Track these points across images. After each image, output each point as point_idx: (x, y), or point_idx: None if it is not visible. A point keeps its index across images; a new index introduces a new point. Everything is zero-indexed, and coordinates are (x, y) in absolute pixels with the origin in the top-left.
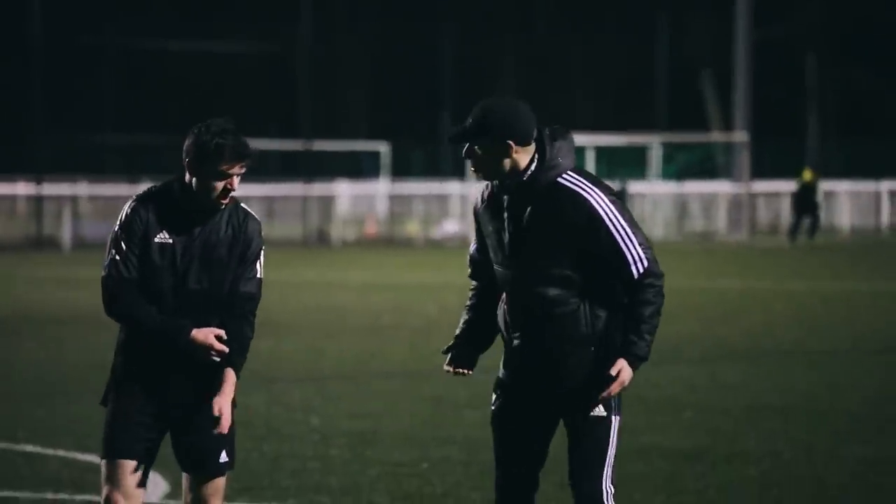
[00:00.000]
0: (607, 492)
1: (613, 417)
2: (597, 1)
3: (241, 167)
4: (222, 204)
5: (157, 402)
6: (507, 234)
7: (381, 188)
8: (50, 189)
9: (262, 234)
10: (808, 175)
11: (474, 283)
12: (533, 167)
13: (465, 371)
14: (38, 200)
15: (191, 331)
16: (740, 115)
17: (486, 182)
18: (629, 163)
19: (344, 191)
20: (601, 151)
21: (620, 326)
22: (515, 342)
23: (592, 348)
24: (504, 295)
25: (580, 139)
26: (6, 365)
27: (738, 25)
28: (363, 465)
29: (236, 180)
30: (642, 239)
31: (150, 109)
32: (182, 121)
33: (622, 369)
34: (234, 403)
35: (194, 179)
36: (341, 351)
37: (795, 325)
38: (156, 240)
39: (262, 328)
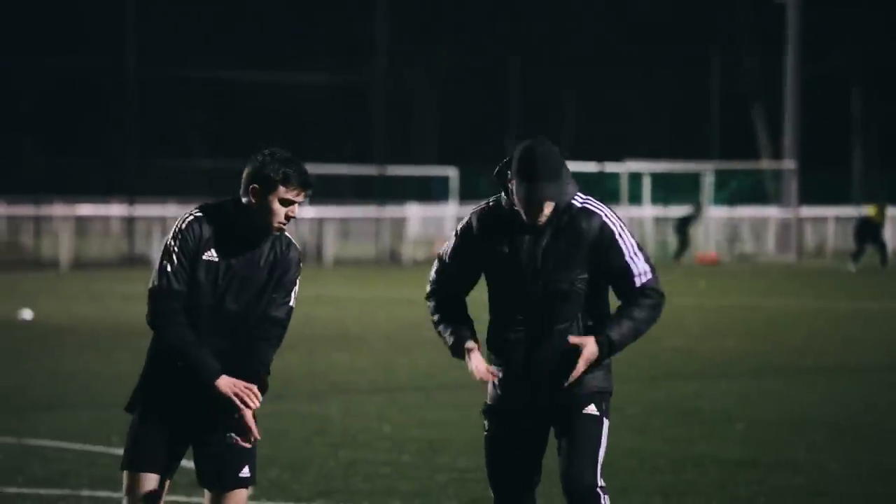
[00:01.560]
0: (600, 484)
1: (604, 419)
2: (654, 35)
3: (304, 196)
4: (280, 230)
5: (183, 415)
6: (527, 254)
7: (449, 210)
8: (141, 210)
9: (301, 263)
10: (871, 211)
11: (434, 300)
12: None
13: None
14: (130, 221)
15: (219, 377)
16: (789, 144)
17: (482, 206)
18: (684, 189)
19: (414, 213)
20: (657, 178)
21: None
22: (514, 360)
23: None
24: (500, 316)
25: (638, 166)
26: (100, 376)
27: (787, 60)
28: (432, 470)
29: (297, 208)
30: (647, 257)
31: (233, 136)
32: (263, 146)
33: (587, 345)
34: (254, 417)
35: (256, 204)
36: (412, 363)
37: (840, 342)
38: (204, 257)
39: (338, 341)
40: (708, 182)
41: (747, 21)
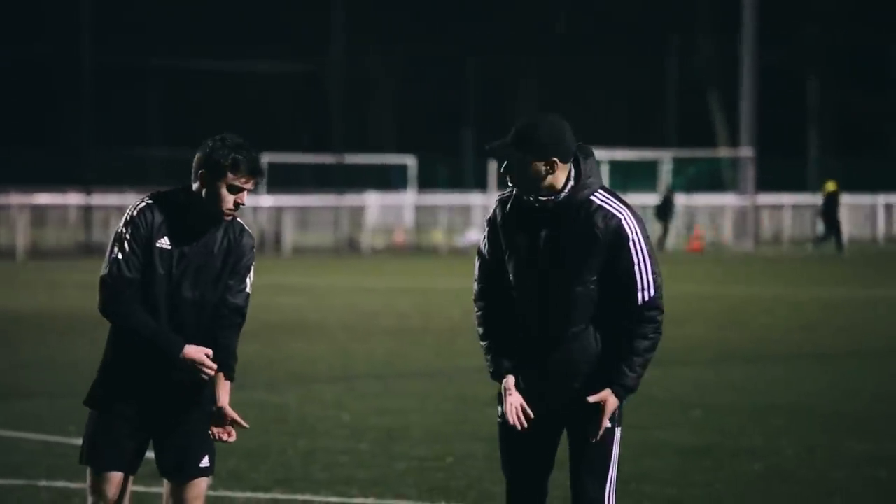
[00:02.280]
0: (610, 500)
1: (616, 428)
2: (611, 23)
3: (254, 183)
4: (230, 216)
5: (143, 408)
6: (540, 250)
7: (408, 199)
8: (98, 199)
9: (254, 248)
10: (831, 186)
11: (482, 303)
12: (570, 185)
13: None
14: (87, 210)
15: (184, 347)
16: (746, 131)
17: (505, 193)
18: (641, 176)
19: (373, 202)
20: (615, 165)
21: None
22: (528, 356)
23: (596, 366)
24: (518, 308)
25: (596, 154)
26: (57, 365)
27: (744, 48)
28: (391, 459)
29: (246, 195)
30: (656, 269)
31: (191, 125)
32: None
33: (608, 400)
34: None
35: (205, 190)
36: (371, 352)
37: (798, 329)
38: (157, 244)
39: (297, 330)
40: (666, 169)
41: (704, 8)
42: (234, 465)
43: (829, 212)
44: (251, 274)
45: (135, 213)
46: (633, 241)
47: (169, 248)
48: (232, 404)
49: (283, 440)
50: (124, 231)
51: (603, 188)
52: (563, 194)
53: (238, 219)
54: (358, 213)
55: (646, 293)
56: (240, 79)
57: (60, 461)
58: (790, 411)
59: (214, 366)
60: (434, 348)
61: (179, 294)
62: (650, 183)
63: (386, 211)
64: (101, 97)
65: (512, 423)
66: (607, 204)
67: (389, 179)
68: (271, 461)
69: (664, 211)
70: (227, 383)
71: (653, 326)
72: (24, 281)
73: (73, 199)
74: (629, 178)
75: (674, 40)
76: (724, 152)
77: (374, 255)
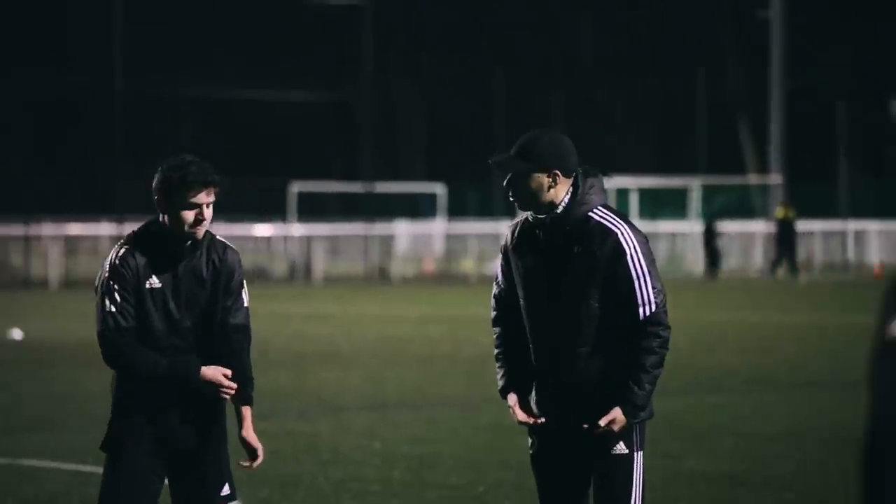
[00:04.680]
0: None
1: (635, 454)
2: (640, 50)
3: (209, 194)
4: (195, 234)
5: (159, 444)
6: (545, 270)
7: (437, 227)
8: (130, 229)
9: (242, 263)
10: (780, 212)
11: (498, 329)
12: (566, 200)
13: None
14: (119, 240)
15: (199, 367)
16: (775, 158)
17: (517, 220)
18: (670, 203)
19: (403, 230)
20: (644, 193)
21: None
22: (540, 381)
23: (608, 388)
24: (529, 333)
25: (624, 181)
26: (92, 395)
27: (772, 74)
28: (422, 487)
29: (207, 210)
30: (658, 285)
31: (221, 154)
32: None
33: (616, 419)
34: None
35: (166, 216)
36: (402, 380)
37: (831, 356)
38: (147, 286)
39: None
40: (695, 197)
41: (732, 33)
42: (266, 494)
43: (784, 237)
44: (244, 289)
45: (116, 261)
46: (631, 255)
47: (159, 285)
48: (265, 433)
49: (315, 469)
50: (111, 282)
51: (605, 206)
52: (559, 209)
53: (218, 237)
54: (388, 241)
55: (647, 308)
56: (270, 108)
57: (93, 490)
58: (824, 440)
59: (234, 385)
60: (465, 376)
61: (179, 327)
62: (679, 211)
63: (416, 239)
64: (132, 126)
65: (524, 420)
66: (604, 218)
67: (419, 207)
68: (303, 490)
69: (711, 238)
70: (248, 409)
71: (658, 341)
72: (57, 311)
73: (106, 228)
74: (658, 205)
75: (703, 65)
76: (753, 180)
77: (403, 283)
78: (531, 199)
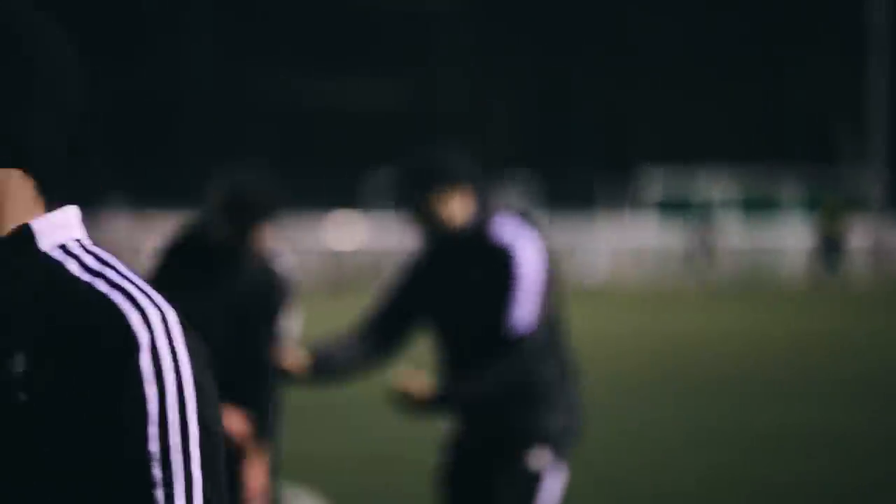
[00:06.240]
0: None
1: (546, 475)
2: (734, 45)
3: (273, 221)
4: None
5: None
6: (453, 290)
7: None
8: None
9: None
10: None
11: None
12: (467, 219)
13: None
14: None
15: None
16: (874, 152)
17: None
18: (768, 203)
19: None
20: (741, 191)
21: (549, 381)
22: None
23: (518, 402)
24: (443, 356)
25: (721, 179)
26: None
27: (870, 67)
28: None
29: (269, 235)
30: (532, 304)
31: (294, 148)
32: (325, 159)
33: (425, 388)
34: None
35: (227, 235)
36: None
37: None
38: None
39: None
40: (794, 197)
41: (828, 26)
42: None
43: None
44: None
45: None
46: (516, 268)
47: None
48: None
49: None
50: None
51: (505, 219)
52: (460, 229)
53: (270, 258)
54: None
55: (514, 325)
56: (345, 105)
57: None
58: None
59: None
60: None
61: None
62: (774, 207)
63: None
64: (211, 121)
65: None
66: (501, 235)
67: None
68: None
69: (832, 242)
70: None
71: (509, 361)
72: None
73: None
74: (751, 203)
75: (797, 59)
76: (850, 174)
77: None
78: (432, 222)
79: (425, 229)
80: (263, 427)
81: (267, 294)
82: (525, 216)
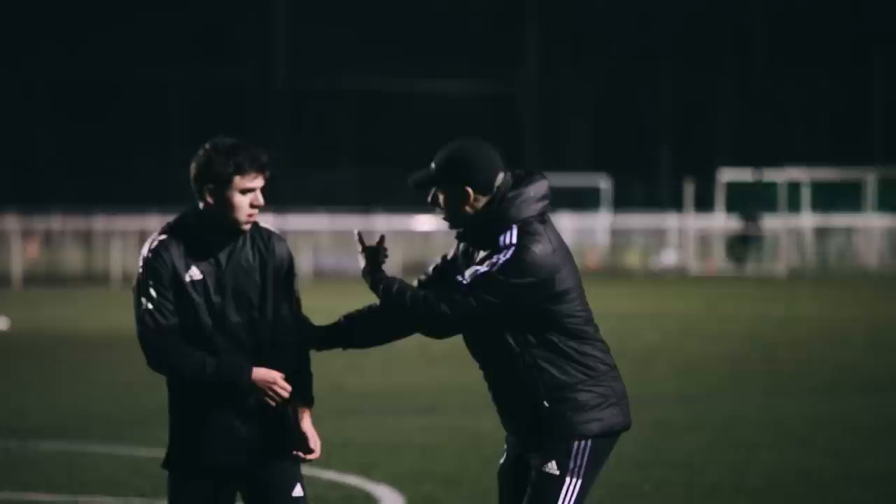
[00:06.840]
0: None
1: (568, 478)
2: (813, 37)
3: (263, 178)
4: (249, 222)
5: (223, 456)
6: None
7: (601, 221)
8: (292, 222)
9: (290, 251)
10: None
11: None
12: (481, 215)
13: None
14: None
15: (251, 371)
16: None
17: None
18: (845, 196)
19: (566, 223)
20: (817, 185)
21: (556, 380)
22: (490, 392)
23: (535, 399)
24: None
25: (797, 173)
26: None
27: None
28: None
29: (260, 194)
30: (485, 276)
31: (382, 145)
32: (412, 156)
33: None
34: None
35: (215, 203)
36: None
37: None
38: (186, 279)
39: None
40: (871, 190)
41: None
42: (429, 489)
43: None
44: (296, 278)
45: (149, 255)
46: (498, 252)
47: (201, 277)
48: (427, 428)
49: (478, 466)
50: (144, 279)
51: (523, 223)
52: (473, 224)
53: (262, 224)
54: None
55: (464, 278)
56: (430, 99)
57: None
58: None
59: (289, 387)
60: (630, 373)
61: (226, 323)
62: (855, 203)
63: (579, 233)
64: (294, 119)
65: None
66: (508, 234)
67: (582, 200)
68: (466, 487)
69: None
70: (307, 410)
71: (434, 297)
72: None
73: (269, 221)
74: (831, 198)
75: (879, 53)
76: None
77: None
78: (454, 216)
79: (452, 222)
80: (302, 393)
81: (281, 257)
82: (542, 217)
